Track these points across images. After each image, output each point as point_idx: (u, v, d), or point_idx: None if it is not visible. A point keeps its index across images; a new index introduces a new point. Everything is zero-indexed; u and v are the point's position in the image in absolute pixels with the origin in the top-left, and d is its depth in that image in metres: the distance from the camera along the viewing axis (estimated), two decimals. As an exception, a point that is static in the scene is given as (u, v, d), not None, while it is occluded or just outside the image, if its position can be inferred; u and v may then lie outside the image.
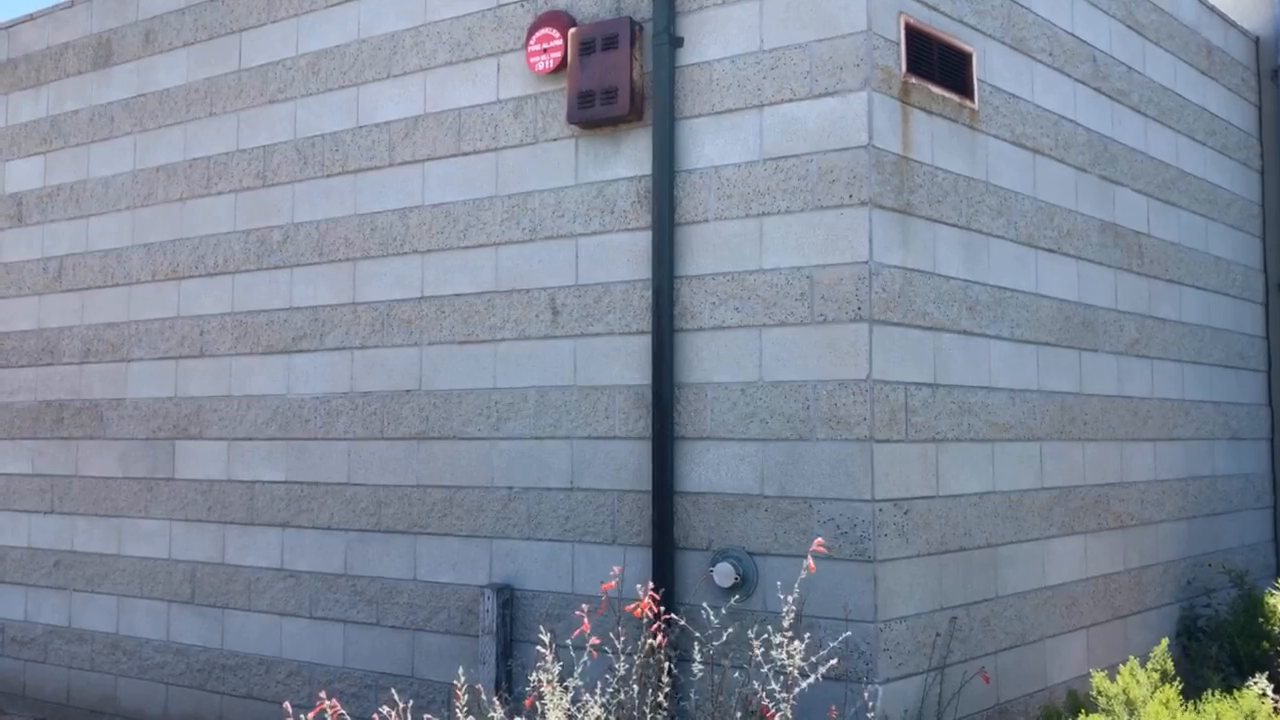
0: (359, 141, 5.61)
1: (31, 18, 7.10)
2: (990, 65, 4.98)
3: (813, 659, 3.75)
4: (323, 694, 4.08)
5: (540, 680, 3.84)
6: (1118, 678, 4.73)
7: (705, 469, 4.54)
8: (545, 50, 4.96)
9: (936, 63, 4.64)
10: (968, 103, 4.80)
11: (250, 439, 5.87)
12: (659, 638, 3.90)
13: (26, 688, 6.73)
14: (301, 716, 3.96)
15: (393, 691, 4.76)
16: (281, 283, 5.82)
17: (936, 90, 4.62)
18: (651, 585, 4.06)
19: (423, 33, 5.43)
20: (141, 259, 6.40)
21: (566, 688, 3.86)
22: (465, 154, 5.26)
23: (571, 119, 4.86)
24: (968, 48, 4.83)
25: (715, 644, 3.98)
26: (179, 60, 6.35)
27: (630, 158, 4.80)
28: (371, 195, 5.55)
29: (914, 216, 4.49)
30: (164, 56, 6.42)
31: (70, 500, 6.61)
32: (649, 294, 4.68)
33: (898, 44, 4.44)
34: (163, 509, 6.20)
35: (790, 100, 4.43)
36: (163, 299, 6.29)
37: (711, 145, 4.61)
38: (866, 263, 4.23)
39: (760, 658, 3.79)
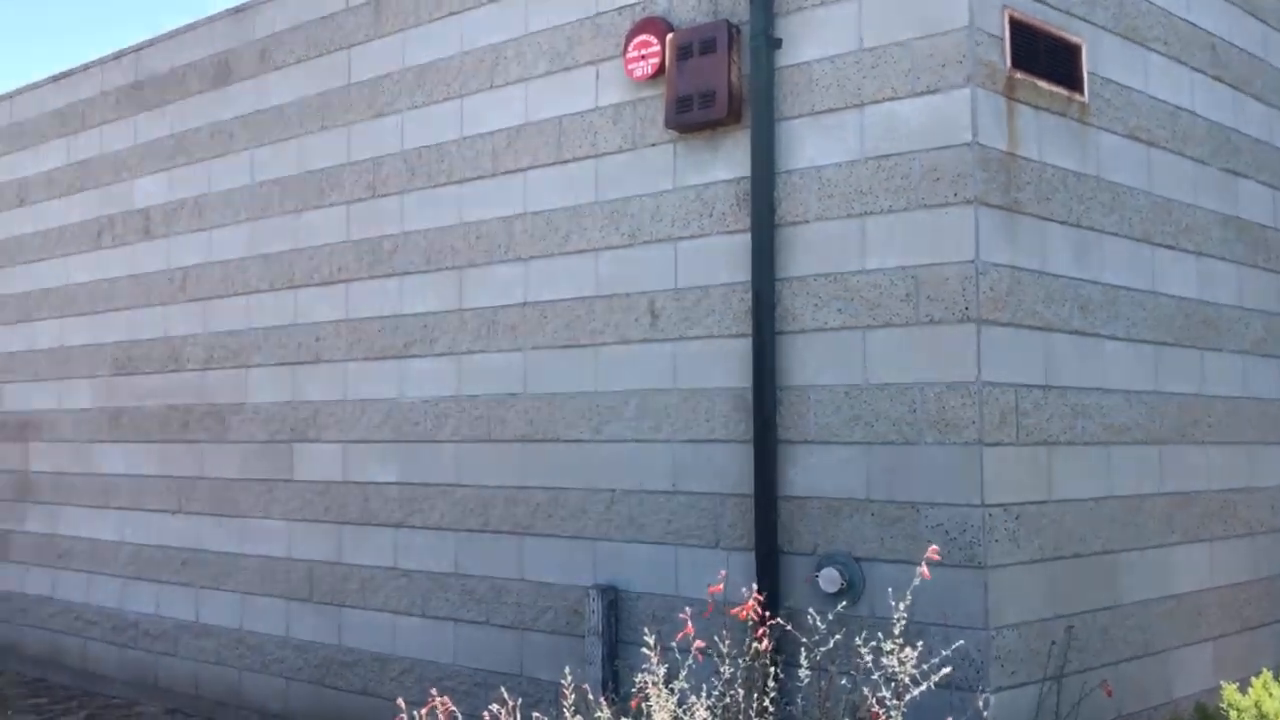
0: (463, 152, 5.74)
1: (156, 41, 7.46)
2: (1101, 57, 4.83)
3: (924, 666, 3.70)
4: (434, 691, 4.19)
5: (646, 681, 3.87)
6: (1250, 690, 4.53)
7: (809, 473, 4.51)
8: (643, 56, 4.99)
9: (1043, 56, 4.51)
10: (1077, 96, 4.66)
11: (364, 441, 6.07)
12: (764, 642, 3.89)
13: (158, 679, 7.08)
14: (415, 713, 4.08)
15: (502, 690, 4.86)
16: (392, 290, 6.00)
17: (1043, 84, 4.50)
18: (756, 589, 4.05)
19: (523, 44, 5.53)
20: (260, 269, 6.66)
21: (672, 689, 3.89)
22: (565, 161, 5.34)
23: (669, 124, 4.88)
24: (1076, 39, 4.68)
25: (822, 649, 3.95)
26: (292, 77, 6.60)
27: (729, 160, 4.80)
28: (476, 204, 5.67)
29: (1022, 214, 4.38)
30: (278, 74, 6.67)
31: (196, 500, 6.92)
32: (749, 296, 4.68)
33: (1002, 39, 4.34)
34: (282, 509, 6.44)
35: (891, 99, 4.37)
36: (280, 307, 6.53)
37: (811, 146, 4.58)
38: (973, 262, 4.14)
39: (870, 664, 3.75)
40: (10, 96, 8.63)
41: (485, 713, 4.10)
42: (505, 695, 4.29)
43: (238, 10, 6.96)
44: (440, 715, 3.86)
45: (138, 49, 7.59)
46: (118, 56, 7.74)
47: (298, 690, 6.30)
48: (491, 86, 5.64)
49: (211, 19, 7.12)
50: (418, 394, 5.84)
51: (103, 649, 7.45)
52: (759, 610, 3.87)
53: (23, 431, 8.18)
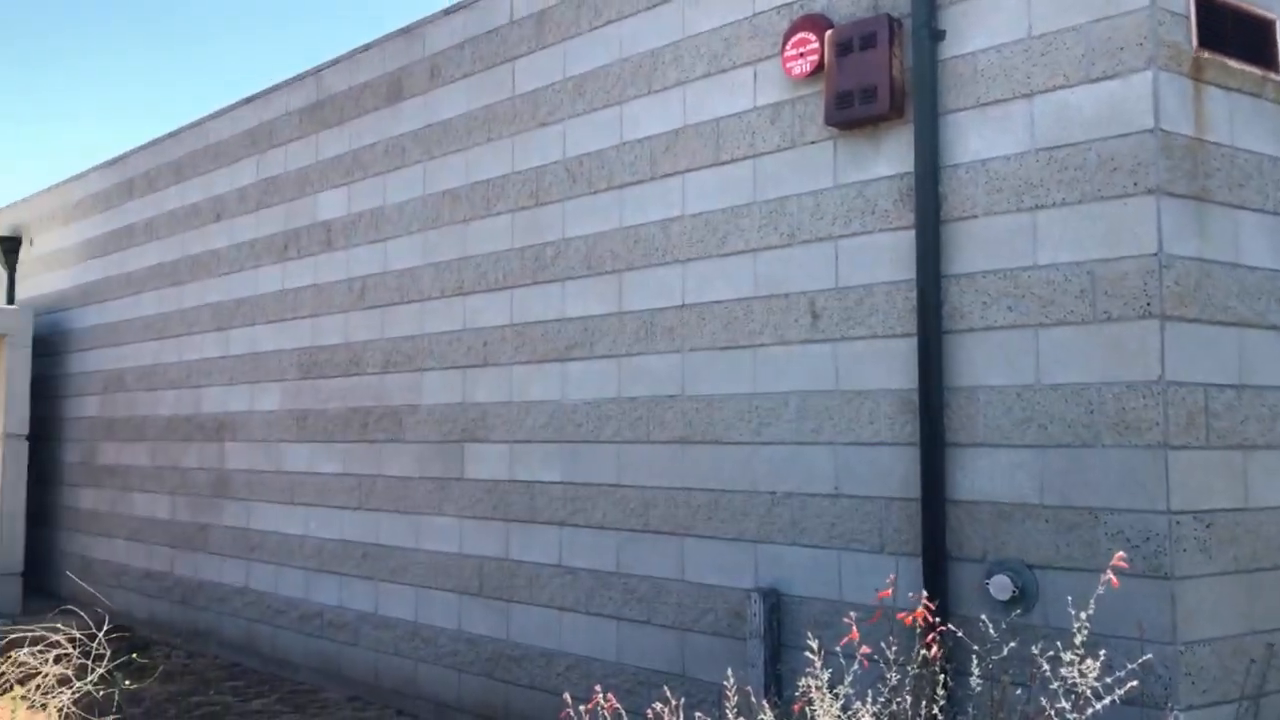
0: (622, 157, 5.82)
1: (334, 63, 7.89)
2: (1300, 29, 4.48)
3: (1107, 679, 3.52)
4: (598, 688, 4.27)
5: (810, 686, 3.83)
6: None
7: (978, 476, 4.37)
8: (801, 54, 4.95)
9: (1233, 34, 4.22)
10: (1272, 75, 4.34)
11: (529, 441, 6.24)
12: (933, 649, 3.79)
13: (341, 667, 7.47)
14: (580, 709, 4.16)
15: (665, 689, 4.91)
16: (554, 295, 6.14)
17: (1234, 64, 4.21)
18: (926, 595, 3.95)
19: (681, 47, 5.57)
20: (432, 277, 6.95)
21: (836, 694, 3.83)
22: (723, 163, 5.34)
23: (829, 121, 4.82)
24: (1269, 15, 4.36)
25: (995, 658, 3.82)
26: (459, 91, 6.85)
27: (891, 156, 4.70)
28: (635, 208, 5.75)
29: (1210, 203, 4.11)
30: (446, 89, 6.94)
31: (375, 498, 7.27)
32: (913, 295, 4.57)
33: (1186, 17, 4.08)
34: (454, 507, 6.70)
35: (1063, 86, 4.18)
36: (450, 313, 6.80)
37: (977, 138, 4.43)
38: (1155, 255, 3.92)
39: (1047, 674, 3.59)
40: (206, 120, 9.30)
41: (648, 711, 4.14)
42: (668, 694, 4.33)
43: (408, 30, 7.28)
44: (605, 712, 3.93)
45: (318, 70, 8.04)
46: (300, 78, 8.22)
47: (469, 682, 6.53)
48: (650, 92, 5.71)
49: (384, 39, 7.47)
50: (579, 396, 5.96)
51: (290, 637, 7.92)
52: (928, 616, 3.77)
53: (219, 432, 8.79)
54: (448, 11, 6.99)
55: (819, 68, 4.88)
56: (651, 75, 5.70)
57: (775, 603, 4.96)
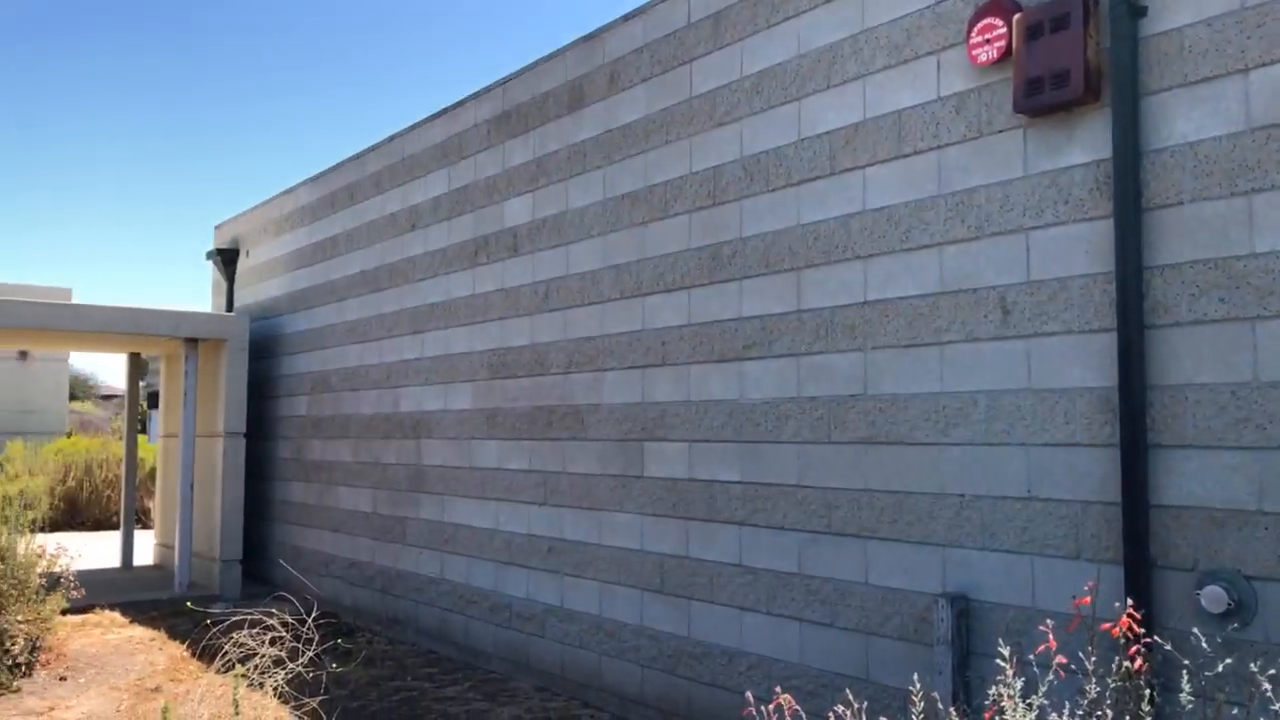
0: (800, 154, 5.77)
1: (519, 74, 8.16)
2: None
3: (1332, 703, 3.23)
4: (778, 689, 4.24)
5: (1001, 694, 3.68)
6: None
7: (1186, 480, 4.09)
8: (988, 41, 4.77)
9: None
10: None
11: (708, 441, 6.27)
12: (1138, 661, 3.58)
13: (529, 658, 7.72)
14: (762, 709, 4.15)
15: (847, 692, 4.83)
16: (731, 294, 6.15)
17: None
18: (1132, 604, 3.74)
19: (860, 40, 5.47)
20: (611, 279, 7.08)
21: (1030, 705, 3.67)
22: (906, 155, 5.21)
23: (1019, 108, 4.63)
24: None
25: (1208, 674, 3.57)
26: (638, 95, 6.96)
27: (1086, 142, 4.46)
28: (813, 205, 5.68)
29: None
30: (625, 94, 7.07)
31: (559, 494, 7.48)
32: (1112, 287, 4.32)
33: None
34: (634, 504, 6.80)
35: (1284, 59, 3.86)
36: (629, 314, 6.91)
37: (1184, 120, 4.15)
38: (1394, 239, 3.56)
39: (1269, 695, 3.33)
40: (402, 134, 9.80)
41: (830, 714, 4.09)
42: (850, 698, 4.26)
43: (588, 38, 7.44)
44: (786, 713, 3.91)
45: (504, 82, 8.34)
46: (487, 90, 8.55)
47: (652, 678, 6.61)
48: (829, 86, 5.63)
49: (565, 49, 7.67)
50: (758, 395, 5.95)
51: (482, 627, 8.24)
52: (1134, 627, 3.57)
53: (416, 430, 9.24)
54: (626, 18, 7.11)
55: (1006, 54, 4.69)
56: (830, 69, 5.63)
57: (963, 608, 4.80)
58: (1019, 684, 3.68)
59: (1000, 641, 3.79)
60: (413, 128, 9.62)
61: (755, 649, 5.88)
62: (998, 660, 3.70)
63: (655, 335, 6.69)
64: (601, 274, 7.16)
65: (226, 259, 13.55)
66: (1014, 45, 4.63)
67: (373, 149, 10.27)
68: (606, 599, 6.99)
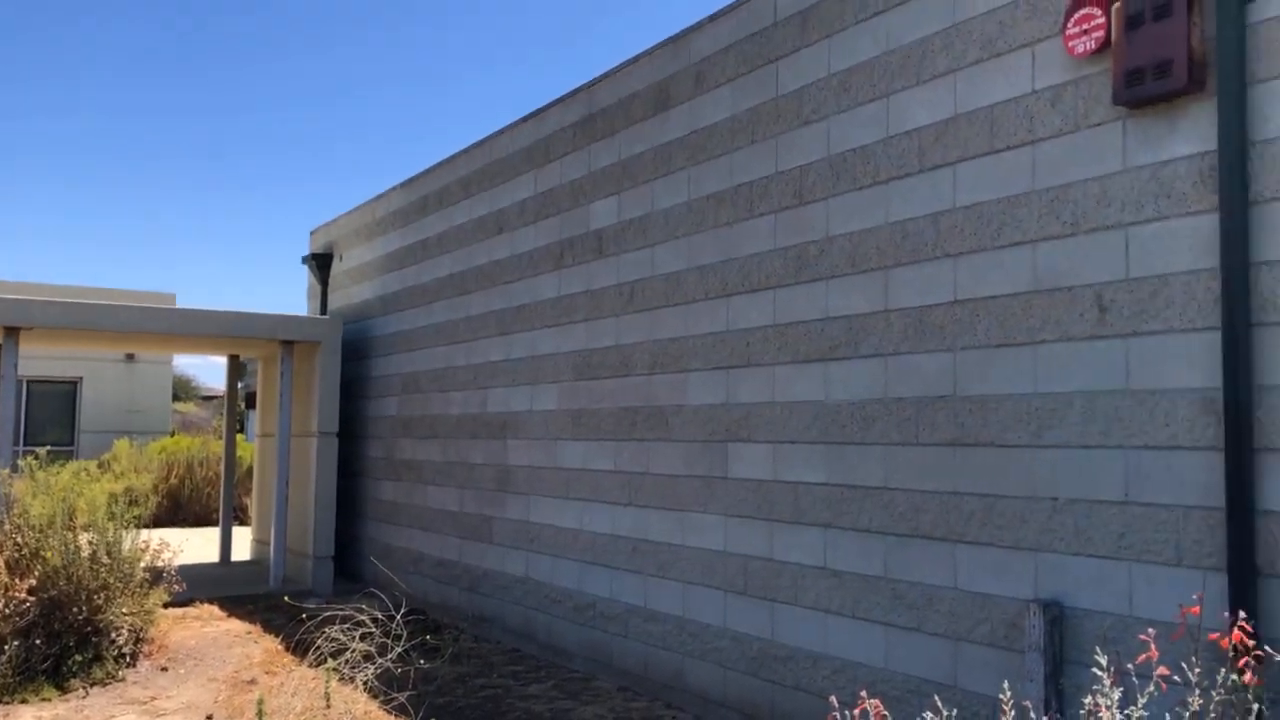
0: (888, 151, 5.69)
1: (605, 77, 8.21)
2: None
3: None
4: (863, 693, 4.17)
5: (1098, 705, 3.56)
6: None
7: (1296, 484, 3.90)
8: (1085, 31, 4.64)
9: None
10: None
11: (792, 442, 6.21)
12: (1247, 674, 3.42)
13: (612, 657, 7.74)
14: (847, 713, 4.09)
15: (935, 699, 4.72)
16: (818, 294, 6.09)
17: None
18: (1242, 615, 3.58)
19: (951, 34, 5.37)
20: (696, 280, 7.07)
21: (1129, 716, 3.54)
22: (998, 151, 5.09)
23: (1118, 100, 4.49)
24: None
25: (1316, 689, 3.40)
26: (723, 95, 6.94)
27: (1189, 134, 4.31)
28: (901, 203, 5.59)
29: None
30: (710, 94, 7.06)
31: (643, 494, 7.49)
32: (1216, 285, 4.16)
33: None
34: (718, 505, 6.77)
35: (1405, 42, 3.67)
36: (714, 315, 6.89)
37: (1295, 109, 3.97)
38: None
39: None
40: (489, 140, 9.95)
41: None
42: (939, 704, 4.16)
43: (674, 39, 7.46)
44: (872, 718, 3.84)
45: (590, 86, 8.40)
46: (574, 94, 8.62)
47: (735, 680, 6.57)
48: (918, 82, 5.54)
49: (651, 50, 7.69)
50: (844, 396, 5.87)
51: (565, 626, 8.29)
52: (1244, 639, 3.42)
53: (502, 430, 9.36)
54: (713, 17, 7.10)
55: (1105, 44, 4.56)
56: (920, 65, 5.53)
57: (1057, 615, 4.66)
58: (1117, 695, 3.55)
59: (1097, 650, 3.67)
60: (500, 132, 9.75)
61: (840, 653, 5.80)
62: (1093, 669, 3.58)
63: (740, 336, 6.66)
64: (686, 275, 7.16)
65: (321, 263, 13.92)
66: (1113, 35, 4.49)
67: (462, 153, 10.45)
68: (690, 599, 6.97)
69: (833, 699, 4.10)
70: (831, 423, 5.95)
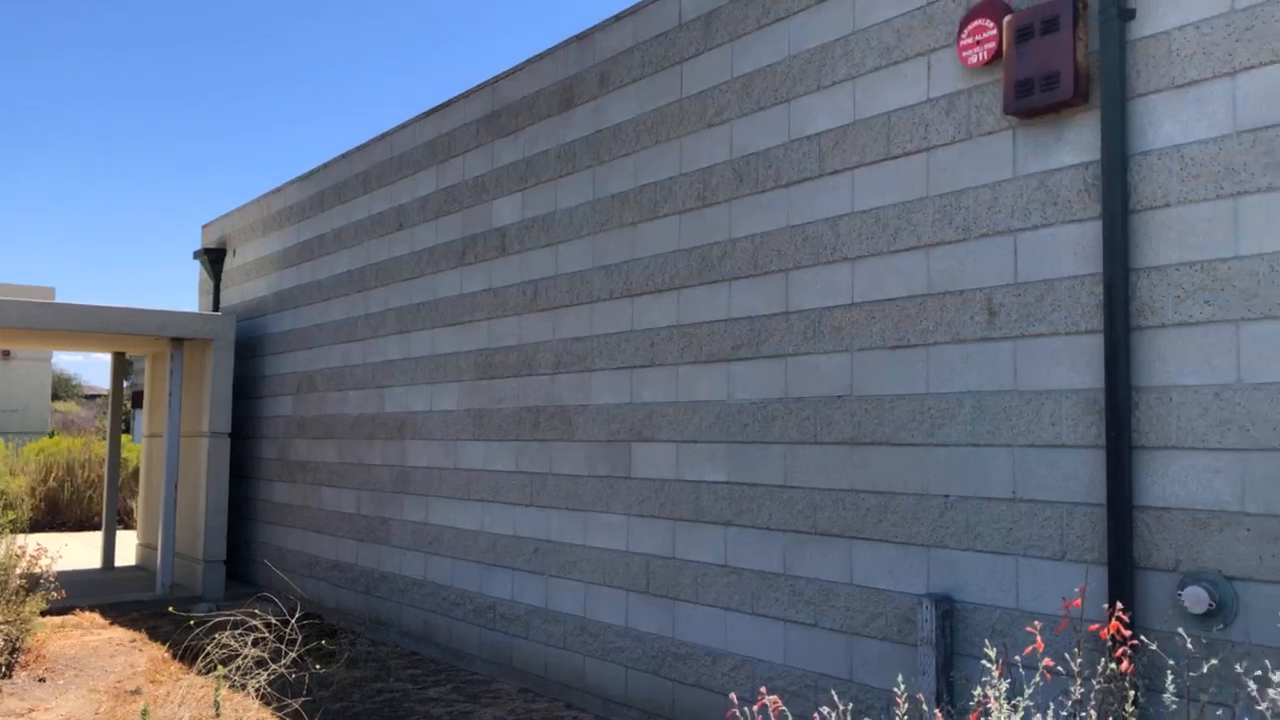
0: (790, 155, 5.78)
1: (510, 73, 8.15)
2: None
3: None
4: (763, 689, 4.23)
5: (987, 696, 3.68)
6: None
7: (1169, 482, 4.10)
8: (978, 42, 4.78)
9: None
10: None
11: (695, 441, 6.26)
12: (1124, 663, 3.58)
13: (513, 659, 7.68)
14: (746, 709, 4.14)
15: (832, 693, 4.82)
16: (721, 295, 6.15)
17: None
18: (1119, 606, 3.74)
19: (851, 41, 5.48)
20: (601, 279, 7.07)
21: (1015, 706, 3.67)
22: (895, 157, 5.22)
23: (1008, 110, 4.64)
24: None
25: (1192, 675, 3.57)
26: (628, 95, 6.96)
27: (1075, 144, 4.48)
28: (802, 206, 5.69)
29: None
30: (616, 94, 7.06)
31: (546, 494, 7.45)
32: (1099, 289, 4.33)
33: None
34: (621, 505, 6.79)
35: (1271, 63, 3.89)
36: (618, 314, 6.90)
37: (1171, 122, 4.17)
38: (1378, 242, 3.58)
39: (1254, 695, 3.34)
40: (390, 134, 9.78)
41: (815, 715, 4.08)
42: (835, 698, 4.25)
43: (580, 37, 7.44)
44: (771, 714, 3.89)
45: (494, 81, 8.32)
46: (477, 90, 8.53)
47: (636, 679, 6.59)
48: (819, 88, 5.64)
49: (556, 48, 7.66)
50: (746, 395, 5.94)
51: (465, 628, 8.20)
52: (1121, 629, 3.57)
53: (401, 430, 9.21)
54: (618, 17, 7.11)
55: (997, 55, 4.71)
56: (820, 70, 5.64)
57: (948, 609, 4.80)
58: (1005, 685, 3.68)
59: (986, 643, 3.79)
60: (401, 127, 9.59)
61: (740, 650, 5.87)
62: (983, 661, 3.70)
63: (644, 336, 6.68)
64: (591, 274, 7.15)
65: (213, 258, 13.49)
66: (1004, 47, 4.65)
67: (361, 148, 10.24)
68: (592, 600, 6.96)
69: (733, 696, 4.14)
70: (734, 422, 6.01)
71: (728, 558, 5.99)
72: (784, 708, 4.06)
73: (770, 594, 5.72)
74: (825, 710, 4.02)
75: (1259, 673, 3.39)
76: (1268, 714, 3.29)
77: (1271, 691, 3.29)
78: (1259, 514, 3.85)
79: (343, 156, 10.60)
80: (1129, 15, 4.29)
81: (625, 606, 6.69)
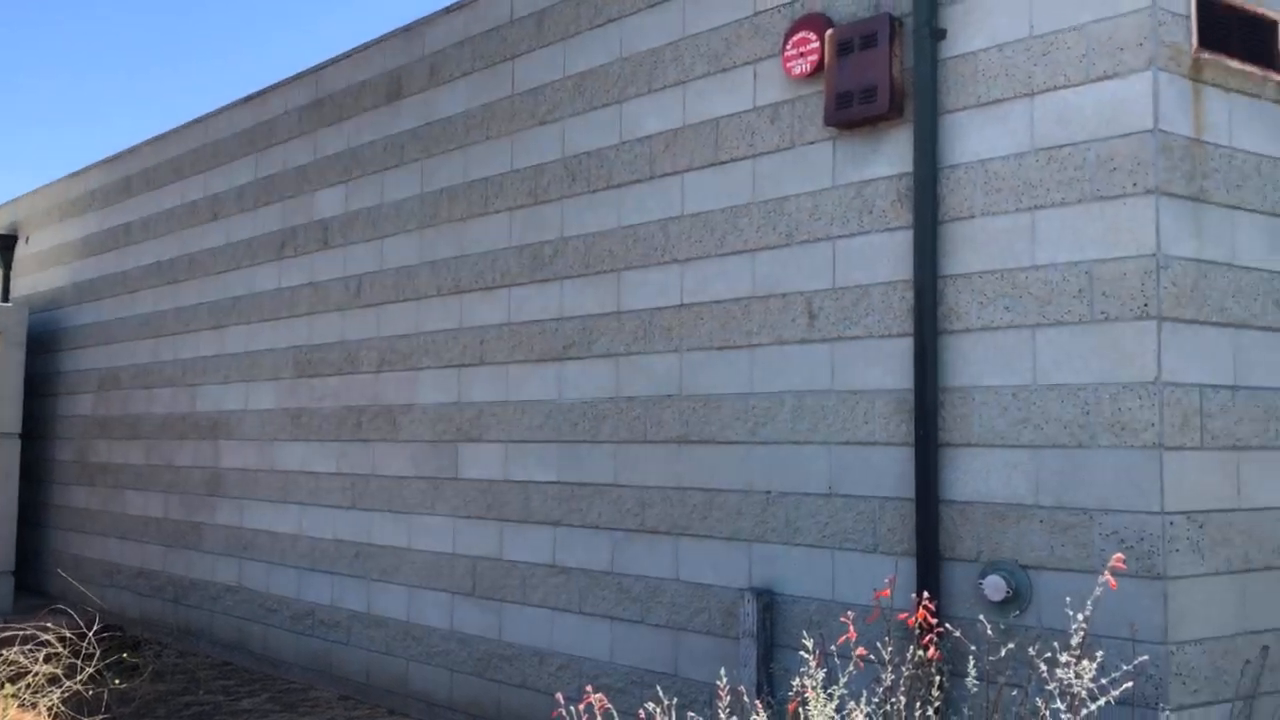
0: (622, 156, 5.82)
1: (334, 61, 7.88)
2: (1300, 33, 4.48)
3: (1103, 681, 3.50)
4: (589, 688, 4.24)
5: (804, 685, 3.80)
6: None
7: (972, 477, 4.36)
8: (801, 54, 4.95)
9: (1234, 34, 4.22)
10: (1272, 75, 4.34)
11: (525, 441, 6.22)
12: (930, 650, 3.77)
13: (333, 666, 7.43)
14: (571, 709, 4.14)
15: (658, 689, 4.88)
16: (552, 294, 6.13)
17: (1234, 64, 4.21)
18: (926, 595, 3.94)
19: (681, 46, 5.57)
20: (428, 275, 6.93)
21: (831, 695, 3.81)
22: (722, 162, 5.34)
23: (829, 121, 4.82)
24: (1273, 15, 4.37)
25: (991, 659, 3.80)
26: (459, 89, 6.85)
27: (890, 156, 4.70)
28: (634, 208, 5.74)
29: (1208, 204, 4.11)
30: (445, 87, 6.94)
31: (368, 497, 7.25)
32: (910, 295, 4.56)
33: (1187, 17, 4.09)
34: (447, 506, 6.67)
35: (1064, 86, 4.19)
36: (447, 312, 6.78)
37: (977, 138, 4.43)
38: (1154, 255, 3.91)
39: (1044, 675, 3.58)
40: (205, 119, 9.29)
41: (640, 711, 4.12)
42: (660, 694, 4.30)
43: (408, 29, 7.28)
44: (596, 712, 3.90)
45: (318, 69, 8.03)
46: (300, 77, 8.22)
47: (461, 682, 6.49)
48: (650, 90, 5.71)
49: (384, 38, 7.47)
50: (576, 395, 5.95)
51: (282, 635, 7.88)
52: (928, 617, 3.76)
53: (214, 430, 8.76)
54: (448, 10, 6.99)
55: (819, 67, 4.88)
56: (652, 74, 5.70)
57: (768, 602, 4.94)
58: (821, 675, 3.81)
59: (804, 634, 3.92)
60: (218, 112, 9.14)
61: (566, 649, 5.87)
62: (801, 652, 3.82)
63: (474, 334, 6.59)
64: (418, 270, 7.00)
65: (4, 245, 12.49)
66: (826, 60, 4.82)
67: (173, 132, 9.70)
68: (416, 603, 6.82)
69: (559, 695, 4.13)
70: (564, 421, 6.01)
71: (556, 557, 5.99)
72: (609, 705, 4.07)
73: (598, 592, 5.74)
74: (650, 706, 4.07)
75: (1049, 654, 3.64)
76: (1055, 692, 3.55)
77: (1060, 671, 3.54)
78: (1050, 506, 4.13)
79: (153, 140, 10.01)
80: (940, 35, 4.53)
81: (451, 609, 6.59)
